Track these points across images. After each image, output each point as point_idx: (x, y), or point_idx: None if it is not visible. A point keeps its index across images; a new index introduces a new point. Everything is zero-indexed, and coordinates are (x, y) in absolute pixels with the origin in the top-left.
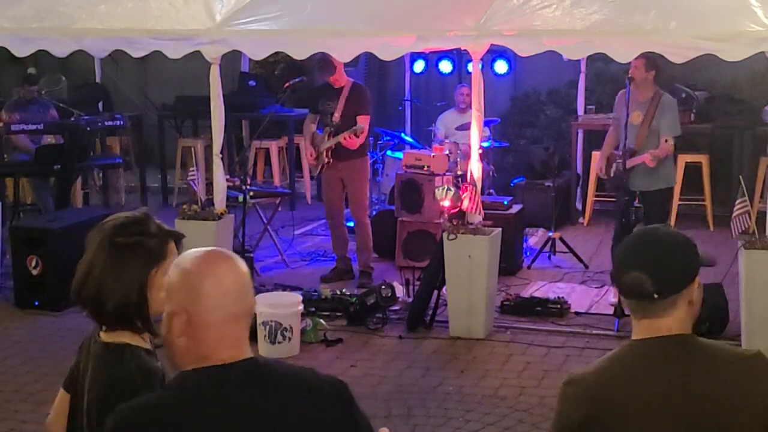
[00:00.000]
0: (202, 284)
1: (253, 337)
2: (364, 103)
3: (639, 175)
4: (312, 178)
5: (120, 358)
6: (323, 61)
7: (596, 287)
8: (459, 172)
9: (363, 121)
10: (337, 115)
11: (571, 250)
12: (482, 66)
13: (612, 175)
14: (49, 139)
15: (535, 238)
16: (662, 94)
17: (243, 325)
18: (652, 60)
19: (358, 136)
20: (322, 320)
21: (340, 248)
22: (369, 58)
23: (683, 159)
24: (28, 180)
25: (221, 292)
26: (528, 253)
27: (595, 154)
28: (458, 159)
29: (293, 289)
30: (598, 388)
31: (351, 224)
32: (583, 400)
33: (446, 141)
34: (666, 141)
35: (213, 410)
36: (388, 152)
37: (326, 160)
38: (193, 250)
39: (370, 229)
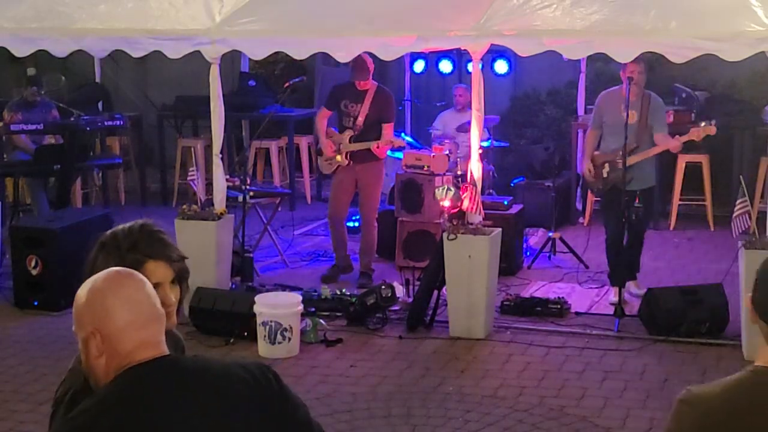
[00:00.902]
0: (105, 299)
1: (253, 337)
2: (390, 109)
3: (638, 175)
4: (314, 176)
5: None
6: (358, 64)
7: (596, 287)
8: (459, 172)
9: (388, 129)
10: (360, 119)
11: (571, 250)
12: (482, 66)
13: (605, 176)
14: (49, 139)
15: (535, 238)
16: (650, 94)
17: (156, 329)
18: (648, 62)
19: (395, 147)
20: (322, 320)
21: (341, 248)
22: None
23: (683, 159)
24: (25, 180)
25: (126, 301)
26: (528, 253)
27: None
28: (458, 159)
29: (293, 289)
30: (715, 413)
31: (350, 225)
32: (698, 423)
33: (446, 141)
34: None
35: (136, 406)
36: (388, 152)
37: (346, 162)
38: (86, 281)
39: (377, 231)
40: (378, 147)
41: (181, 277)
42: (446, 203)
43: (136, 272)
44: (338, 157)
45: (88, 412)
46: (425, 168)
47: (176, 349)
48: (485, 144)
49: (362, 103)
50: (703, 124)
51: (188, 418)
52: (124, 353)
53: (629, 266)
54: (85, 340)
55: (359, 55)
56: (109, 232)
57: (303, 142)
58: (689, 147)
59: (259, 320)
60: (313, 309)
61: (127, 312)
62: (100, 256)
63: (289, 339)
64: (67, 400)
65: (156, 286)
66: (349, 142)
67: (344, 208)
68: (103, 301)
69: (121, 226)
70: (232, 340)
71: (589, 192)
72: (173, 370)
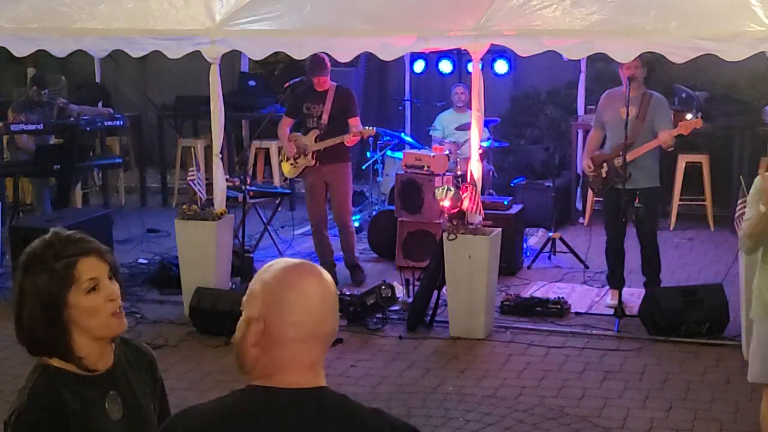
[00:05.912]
0: (285, 296)
1: None
2: (353, 104)
3: (637, 172)
4: (286, 180)
5: (29, 379)
6: (316, 61)
7: (596, 287)
8: (459, 172)
9: (355, 122)
10: (325, 117)
11: (571, 250)
12: (482, 66)
13: (604, 176)
14: (55, 140)
15: (535, 238)
16: (652, 93)
17: (320, 349)
18: (648, 62)
19: (365, 137)
20: None
21: (328, 255)
22: (369, 58)
23: (683, 159)
24: (30, 180)
25: (304, 308)
26: (528, 253)
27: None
28: (458, 159)
29: None
30: None
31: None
32: None
33: (446, 141)
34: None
35: None
36: (388, 152)
37: (313, 162)
38: (281, 260)
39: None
40: (348, 141)
41: (115, 271)
42: (446, 203)
43: (326, 276)
44: (303, 158)
45: (205, 416)
46: (425, 168)
47: (149, 370)
48: (485, 144)
49: (324, 102)
50: (689, 116)
51: None
52: (279, 361)
53: (651, 273)
54: (248, 320)
55: (316, 54)
56: (24, 255)
57: (284, 142)
58: (689, 147)
59: None
60: None
61: (301, 319)
62: (26, 280)
63: None
64: (12, 421)
65: (95, 282)
66: (315, 141)
67: (324, 213)
68: (283, 297)
69: (32, 246)
70: (232, 341)
71: (589, 192)
72: (321, 410)
